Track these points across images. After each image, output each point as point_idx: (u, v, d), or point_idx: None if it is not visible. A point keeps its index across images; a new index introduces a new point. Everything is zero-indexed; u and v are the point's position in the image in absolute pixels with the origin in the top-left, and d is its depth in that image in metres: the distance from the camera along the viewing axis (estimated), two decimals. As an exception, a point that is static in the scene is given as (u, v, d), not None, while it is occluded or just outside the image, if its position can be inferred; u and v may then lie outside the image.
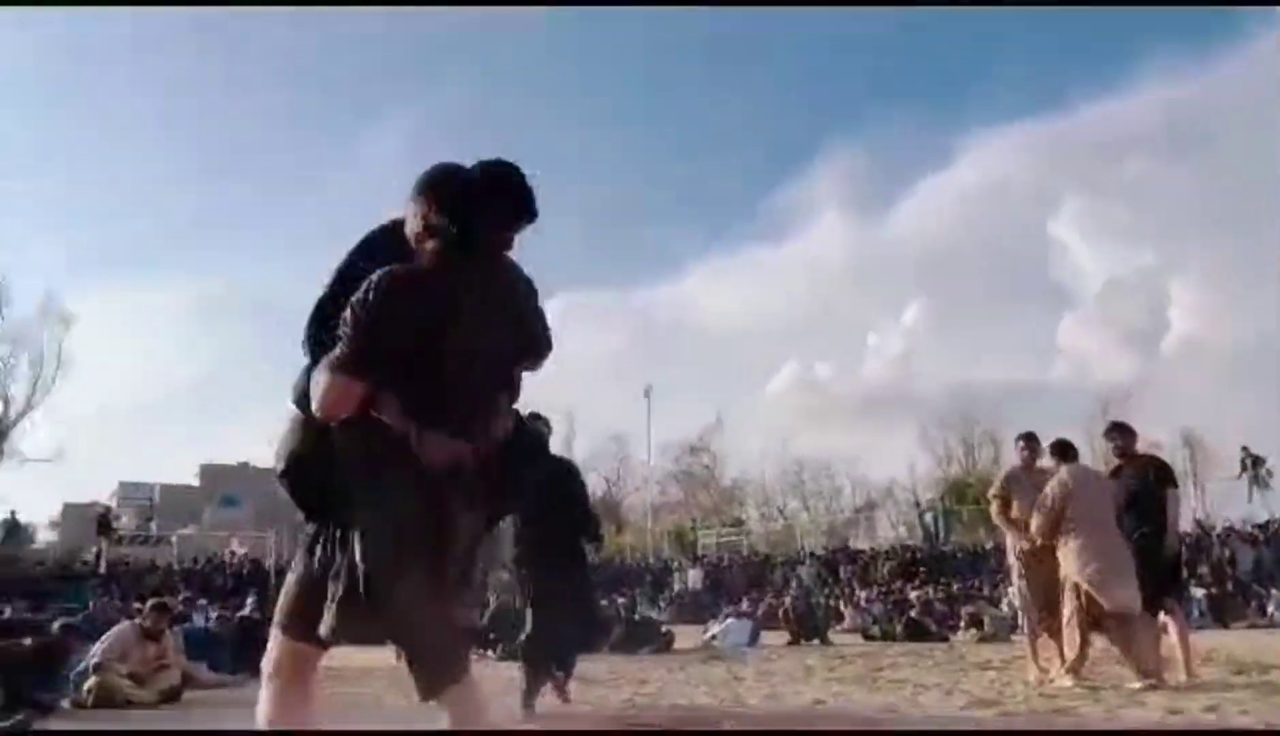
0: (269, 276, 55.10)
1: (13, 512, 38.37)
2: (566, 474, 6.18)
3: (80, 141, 56.22)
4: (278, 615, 2.32)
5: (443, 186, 2.25)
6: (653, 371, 44.35)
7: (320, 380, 2.16)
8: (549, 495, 5.55)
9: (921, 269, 53.18)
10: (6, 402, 35.42)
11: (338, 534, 2.21)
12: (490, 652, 10.60)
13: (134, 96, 55.48)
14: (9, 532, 37.28)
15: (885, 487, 43.79)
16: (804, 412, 50.65)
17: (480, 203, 2.23)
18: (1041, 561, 6.61)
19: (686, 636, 13.09)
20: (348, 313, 2.15)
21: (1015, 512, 6.86)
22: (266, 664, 2.30)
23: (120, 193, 58.01)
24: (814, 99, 60.21)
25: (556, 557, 5.73)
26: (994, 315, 53.78)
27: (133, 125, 57.63)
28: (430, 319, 2.17)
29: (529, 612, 5.75)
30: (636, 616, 14.55)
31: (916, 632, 13.33)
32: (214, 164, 59.45)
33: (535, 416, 6.01)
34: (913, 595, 17.91)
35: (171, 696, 7.06)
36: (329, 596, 2.16)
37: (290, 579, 2.32)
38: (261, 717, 2.23)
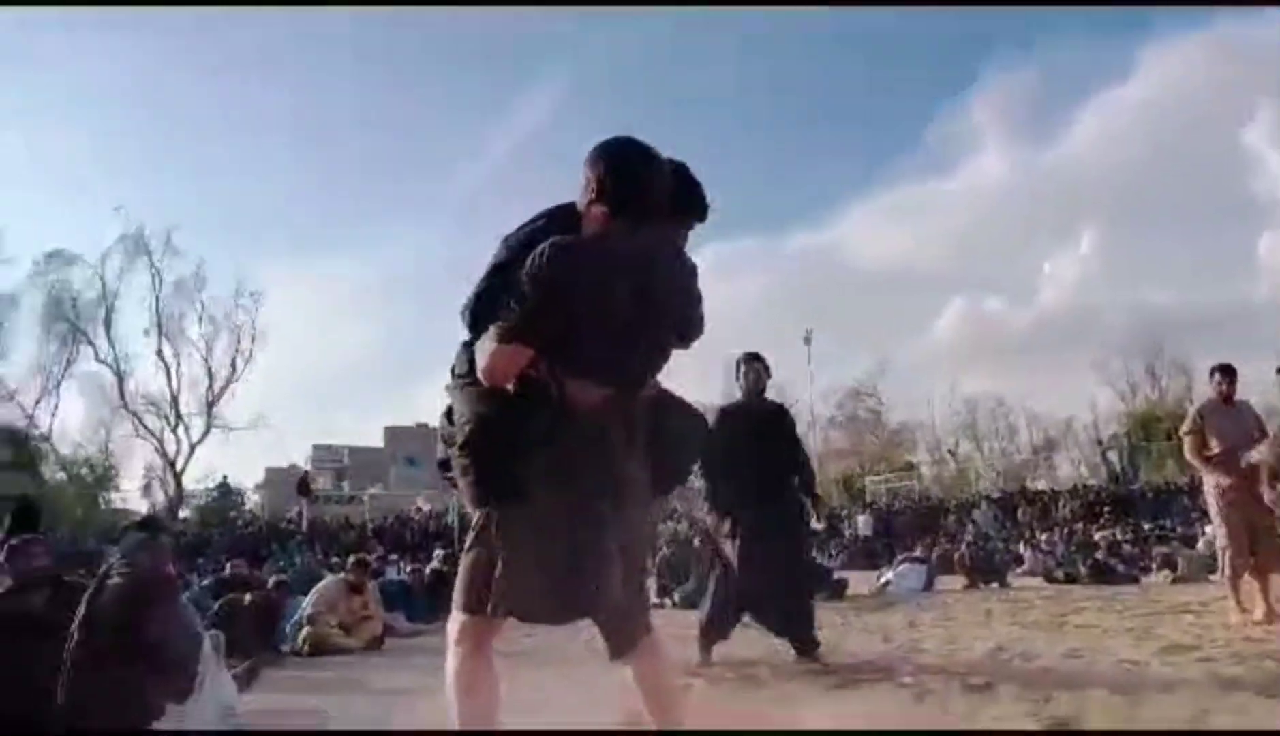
0: (443, 248, 57.57)
1: (224, 477, 41.99)
2: (778, 417, 5.90)
3: (268, 132, 59.82)
4: (456, 593, 2.38)
5: (613, 154, 2.32)
6: (812, 316, 43.58)
7: (488, 348, 2.23)
8: (759, 439, 5.43)
9: (1099, 190, 49.86)
10: (211, 377, 38.59)
11: (507, 511, 2.26)
12: (668, 600, 10.86)
13: (315, 91, 58.51)
14: (223, 495, 40.77)
15: (1064, 425, 41.70)
16: (974, 350, 48.92)
17: (649, 174, 2.30)
18: (1242, 499, 6.24)
19: (859, 583, 13.01)
20: (520, 281, 2.21)
21: (1213, 448, 6.47)
22: (450, 630, 2.38)
23: (302, 175, 61.59)
24: (972, 14, 56.95)
25: (767, 506, 5.36)
26: (1180, 234, 50.22)
27: (311, 116, 60.79)
28: (593, 285, 2.23)
29: (735, 568, 5.36)
30: (807, 563, 14.54)
31: (1103, 575, 12.77)
32: (386, 143, 62.07)
33: (754, 357, 5.85)
34: (1098, 536, 17.14)
35: (375, 644, 7.62)
36: (499, 575, 2.23)
37: (464, 559, 2.38)
38: (450, 680, 2.32)
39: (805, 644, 5.38)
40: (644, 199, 2.29)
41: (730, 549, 5.40)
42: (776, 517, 5.39)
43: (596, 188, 2.29)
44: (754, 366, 5.77)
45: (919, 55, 59.08)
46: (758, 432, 5.56)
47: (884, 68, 59.55)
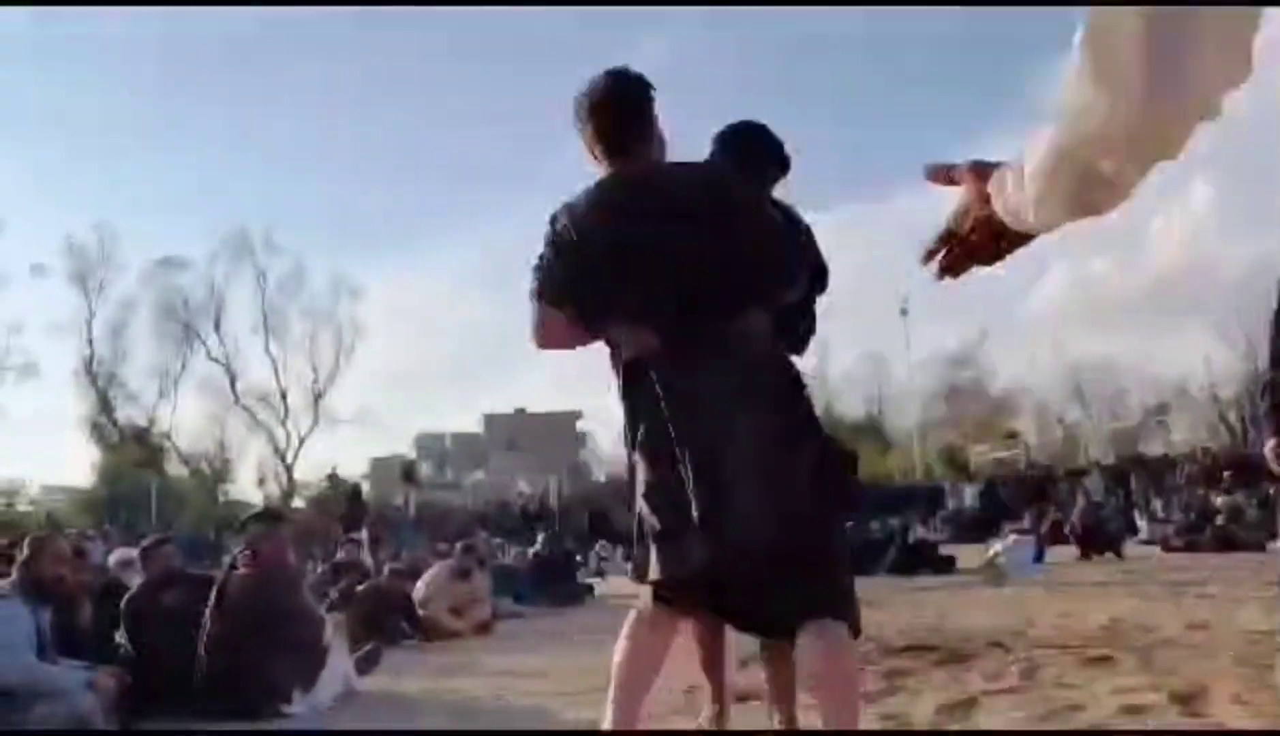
0: (537, 233, 58.15)
1: (334, 468, 43.44)
2: None
3: (363, 122, 61.29)
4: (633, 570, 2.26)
5: (580, 103, 2.29)
6: (908, 284, 42.29)
7: (530, 314, 2.26)
8: None
9: (1208, 135, 47.37)
10: (316, 372, 39.90)
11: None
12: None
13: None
14: (333, 485, 42.19)
15: (1178, 387, 39.79)
16: (1080, 313, 47.00)
17: (617, 102, 2.27)
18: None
19: (966, 556, 12.75)
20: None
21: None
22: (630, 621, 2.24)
23: (397, 165, 62.98)
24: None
25: None
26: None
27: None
28: (596, 228, 2.19)
29: None
30: (910, 539, 14.33)
31: (1225, 543, 12.25)
32: (482, 131, 62.89)
33: None
34: (1218, 501, 16.40)
35: (484, 628, 7.81)
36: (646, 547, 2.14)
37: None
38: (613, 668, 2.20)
39: None
40: (621, 129, 2.26)
41: None
42: None
43: (586, 142, 2.31)
44: None
45: (1017, 11, 56.93)
46: None
47: (982, 24, 57.57)
